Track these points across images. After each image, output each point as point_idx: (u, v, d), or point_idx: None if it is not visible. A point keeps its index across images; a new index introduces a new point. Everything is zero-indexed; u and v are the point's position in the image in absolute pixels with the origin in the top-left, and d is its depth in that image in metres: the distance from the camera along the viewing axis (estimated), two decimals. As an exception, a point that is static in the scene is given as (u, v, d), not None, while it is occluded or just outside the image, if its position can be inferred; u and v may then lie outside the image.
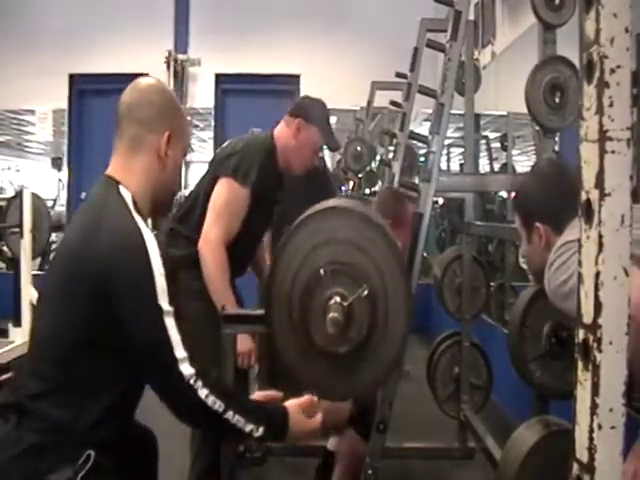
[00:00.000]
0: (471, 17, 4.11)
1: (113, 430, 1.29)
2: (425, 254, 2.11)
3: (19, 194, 4.19)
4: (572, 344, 0.68)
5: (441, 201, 6.01)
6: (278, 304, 1.56)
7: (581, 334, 0.65)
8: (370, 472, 1.84)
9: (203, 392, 1.24)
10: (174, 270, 2.16)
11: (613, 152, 0.63)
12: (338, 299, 1.46)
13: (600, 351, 0.64)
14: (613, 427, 0.64)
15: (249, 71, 6.47)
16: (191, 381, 1.23)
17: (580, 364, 0.65)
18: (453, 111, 1.95)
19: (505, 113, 5.31)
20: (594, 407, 0.64)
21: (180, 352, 1.23)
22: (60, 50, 6.26)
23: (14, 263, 4.31)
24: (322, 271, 1.49)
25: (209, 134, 6.89)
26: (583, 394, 0.65)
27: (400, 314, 1.54)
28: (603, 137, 0.63)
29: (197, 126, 7.17)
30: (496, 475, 1.92)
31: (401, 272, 1.54)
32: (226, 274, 2.20)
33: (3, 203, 4.51)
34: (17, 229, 4.09)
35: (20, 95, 6.39)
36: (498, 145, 5.66)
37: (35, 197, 4.26)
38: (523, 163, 5.87)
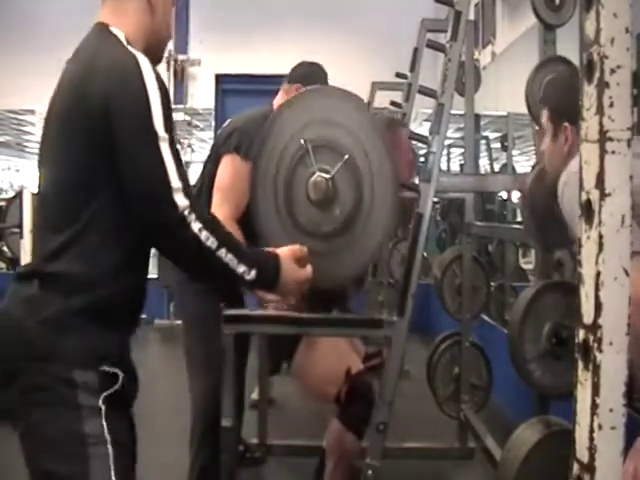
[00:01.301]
0: (471, 17, 4.11)
1: (128, 293, 1.28)
2: (425, 254, 2.11)
3: (19, 194, 4.19)
4: (572, 344, 0.68)
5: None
6: (263, 187, 1.61)
7: (581, 334, 0.65)
8: (370, 472, 1.84)
9: (196, 225, 1.18)
10: None
11: (613, 152, 0.63)
12: (321, 173, 1.52)
13: (600, 351, 0.64)
14: (613, 427, 0.64)
15: (249, 71, 6.47)
16: (185, 212, 1.18)
17: (580, 364, 0.65)
18: (453, 111, 1.95)
19: (505, 113, 5.31)
20: (594, 407, 0.64)
21: (175, 181, 1.18)
22: (60, 50, 6.25)
23: (14, 263, 4.31)
24: (302, 141, 1.54)
25: (209, 134, 6.89)
26: (583, 394, 0.65)
27: (386, 196, 1.58)
28: (603, 137, 0.63)
29: (197, 126, 7.17)
30: (496, 475, 1.92)
31: (386, 154, 1.57)
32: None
33: (3, 203, 4.51)
34: (17, 229, 4.09)
35: (20, 95, 6.39)
36: (498, 145, 5.66)
37: (35, 197, 4.26)
38: (523, 163, 5.87)
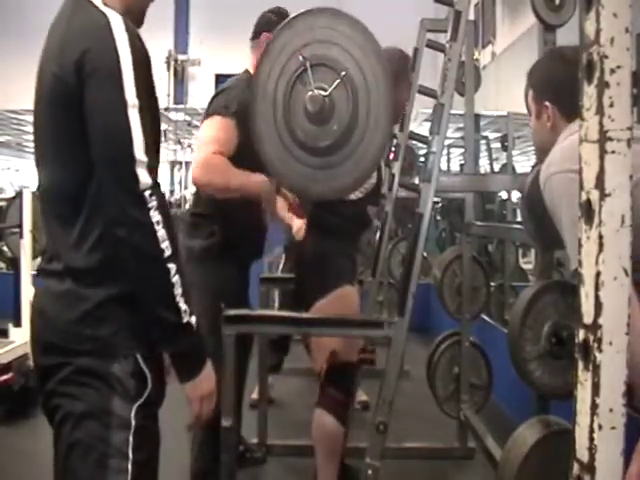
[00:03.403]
0: (471, 17, 4.11)
1: None
2: (425, 254, 2.11)
3: (19, 194, 4.19)
4: (572, 344, 0.68)
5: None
6: (262, 103, 1.66)
7: (581, 334, 0.65)
8: (370, 472, 1.84)
9: (155, 215, 1.07)
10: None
11: (613, 152, 0.63)
12: (319, 90, 1.59)
13: (600, 351, 0.64)
14: (613, 427, 0.64)
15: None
16: (145, 193, 1.07)
17: (580, 364, 0.65)
18: (453, 111, 1.95)
19: (505, 113, 5.32)
20: (594, 407, 0.64)
21: (140, 154, 1.07)
22: (60, 50, 6.26)
23: (14, 263, 4.31)
24: (301, 57, 1.60)
25: (209, 134, 6.88)
26: (583, 394, 0.65)
27: (381, 115, 1.65)
28: (603, 137, 0.63)
29: (197, 126, 7.17)
30: (496, 475, 1.92)
31: (383, 71, 1.64)
32: (234, 170, 2.07)
33: (3, 203, 4.51)
34: (17, 229, 4.09)
35: (20, 95, 6.39)
36: (498, 145, 5.66)
37: (35, 197, 4.26)
38: (523, 163, 5.87)
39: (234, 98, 2.21)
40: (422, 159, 4.41)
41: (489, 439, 2.57)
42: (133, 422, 1.15)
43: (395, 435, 2.27)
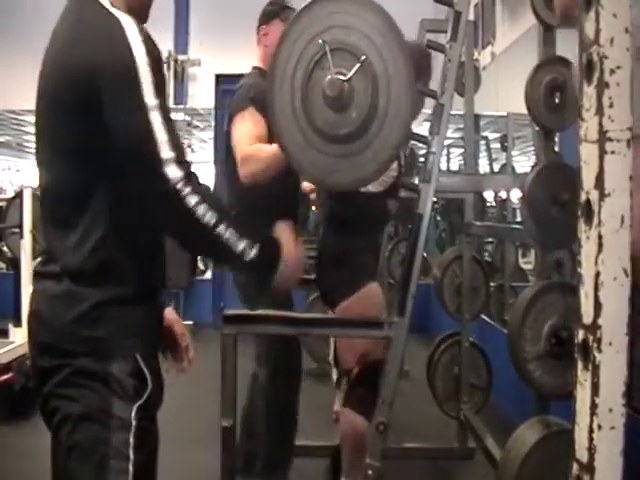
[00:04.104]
0: (471, 17, 4.11)
1: (155, 275, 1.27)
2: (425, 254, 2.11)
3: (19, 194, 4.19)
4: (572, 344, 0.68)
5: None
6: (280, 91, 1.63)
7: (581, 334, 0.65)
8: (370, 472, 1.84)
9: (192, 199, 1.11)
10: None
11: (613, 152, 0.63)
12: (338, 75, 1.56)
13: (600, 351, 0.64)
14: (613, 427, 0.64)
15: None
16: (178, 185, 1.10)
17: (580, 364, 0.65)
18: (453, 112, 1.95)
19: (505, 114, 5.31)
20: (594, 407, 0.64)
21: (166, 152, 1.10)
22: (60, 50, 6.25)
23: (14, 263, 4.31)
24: (321, 42, 1.57)
25: (209, 134, 6.88)
26: (583, 394, 0.65)
27: (402, 101, 1.61)
28: (603, 137, 0.63)
29: (197, 126, 7.16)
30: (496, 475, 1.92)
31: (405, 60, 1.61)
32: (266, 148, 2.15)
33: (3, 203, 4.51)
34: (17, 229, 4.08)
35: (20, 95, 6.39)
36: (498, 146, 5.65)
37: (35, 197, 4.26)
38: (523, 163, 5.87)
39: (249, 89, 2.28)
40: (422, 159, 4.42)
41: (489, 439, 2.57)
42: (133, 423, 1.15)
43: (395, 435, 2.26)
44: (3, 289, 4.42)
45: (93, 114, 1.11)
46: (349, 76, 1.56)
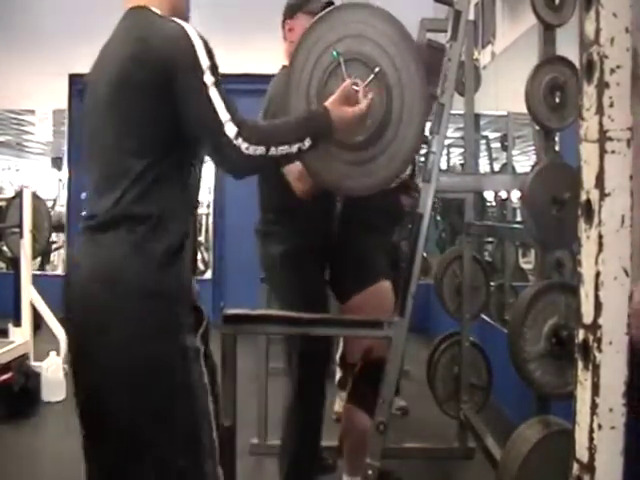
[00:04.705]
0: (471, 17, 4.11)
1: (190, 233, 1.49)
2: (425, 254, 2.11)
3: (19, 194, 4.18)
4: (572, 344, 0.68)
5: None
6: (296, 97, 1.69)
7: (581, 334, 0.65)
8: (370, 472, 1.84)
9: (245, 145, 1.39)
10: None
11: (613, 152, 0.63)
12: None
13: (600, 351, 0.64)
14: (613, 427, 0.64)
15: (249, 71, 6.47)
16: (236, 141, 1.39)
17: (580, 364, 0.65)
18: (453, 111, 1.95)
19: (505, 113, 5.31)
20: (594, 407, 0.64)
21: (224, 115, 1.39)
22: (60, 50, 6.24)
23: (14, 263, 4.30)
24: (335, 53, 1.64)
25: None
26: (583, 394, 0.65)
27: (415, 111, 1.68)
28: (603, 137, 0.63)
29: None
30: (496, 475, 1.92)
31: (416, 64, 1.66)
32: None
33: (3, 203, 4.50)
34: (17, 229, 4.08)
35: (20, 95, 6.39)
36: (498, 145, 5.65)
37: (35, 197, 4.26)
38: (523, 163, 5.87)
39: (266, 100, 2.24)
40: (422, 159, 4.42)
41: (489, 439, 2.57)
42: (202, 349, 1.46)
43: (395, 435, 2.26)
44: (3, 289, 4.41)
45: (168, 92, 1.40)
46: (363, 86, 1.60)
